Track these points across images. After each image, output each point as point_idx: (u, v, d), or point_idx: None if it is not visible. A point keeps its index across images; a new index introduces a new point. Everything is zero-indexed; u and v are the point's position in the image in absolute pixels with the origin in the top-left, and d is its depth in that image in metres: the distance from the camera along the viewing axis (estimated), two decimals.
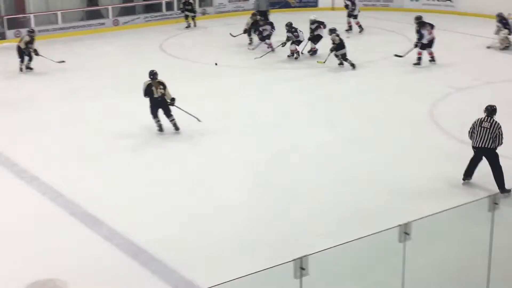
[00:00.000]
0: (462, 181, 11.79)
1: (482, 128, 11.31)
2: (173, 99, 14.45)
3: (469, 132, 11.60)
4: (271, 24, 22.44)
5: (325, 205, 11.33)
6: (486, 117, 11.38)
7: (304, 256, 6.35)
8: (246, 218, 11.03)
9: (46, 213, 11.33)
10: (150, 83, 14.28)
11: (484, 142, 11.28)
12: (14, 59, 20.15)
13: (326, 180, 12.32)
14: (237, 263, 9.51)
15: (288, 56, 21.17)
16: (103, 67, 20.98)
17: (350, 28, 25.18)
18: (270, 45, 21.98)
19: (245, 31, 23.06)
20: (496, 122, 11.30)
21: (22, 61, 19.98)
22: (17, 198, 11.87)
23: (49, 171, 12.89)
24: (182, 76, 19.16)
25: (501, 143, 11.31)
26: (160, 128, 14.59)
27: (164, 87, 14.32)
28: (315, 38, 21.32)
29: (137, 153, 13.87)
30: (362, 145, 13.89)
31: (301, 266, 6.32)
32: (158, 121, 14.57)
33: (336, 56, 19.75)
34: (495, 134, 11.20)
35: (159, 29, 26.54)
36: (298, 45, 21.12)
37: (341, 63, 19.79)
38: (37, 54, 19.99)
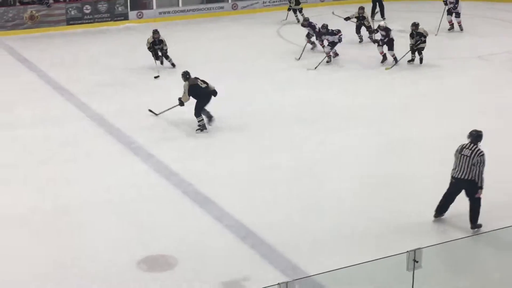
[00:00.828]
0: (433, 218, 10.25)
1: (462, 156, 9.78)
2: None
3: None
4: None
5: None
6: (469, 144, 9.85)
7: (418, 248, 6.20)
8: (355, 207, 10.91)
9: (160, 190, 11.58)
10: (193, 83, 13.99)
11: (464, 172, 9.77)
12: (135, 38, 20.64)
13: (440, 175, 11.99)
14: (344, 252, 9.45)
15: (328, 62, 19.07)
16: (221, 50, 21.16)
17: (452, 27, 22.66)
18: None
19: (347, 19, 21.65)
20: (478, 149, 9.74)
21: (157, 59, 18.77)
22: (133, 175, 12.18)
23: (164, 149, 13.17)
24: (299, 64, 19.14)
25: (481, 178, 9.68)
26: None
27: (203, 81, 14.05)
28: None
29: (254, 137, 13.94)
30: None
31: (414, 259, 6.17)
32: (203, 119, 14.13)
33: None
34: (476, 163, 9.65)
35: (276, 14, 26.54)
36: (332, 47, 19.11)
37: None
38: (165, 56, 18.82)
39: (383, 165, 12.47)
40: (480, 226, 9.94)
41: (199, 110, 13.94)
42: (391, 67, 18.51)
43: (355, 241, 9.87)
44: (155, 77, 17.75)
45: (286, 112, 15.26)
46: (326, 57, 18.89)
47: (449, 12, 22.46)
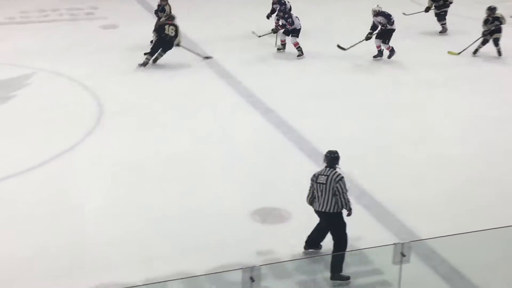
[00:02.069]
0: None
1: (319, 185, 8.24)
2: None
3: (307, 195, 8.48)
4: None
5: None
6: (325, 169, 8.36)
7: None
8: (474, 176, 10.68)
9: (277, 145, 11.70)
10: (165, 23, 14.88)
11: (323, 204, 8.22)
12: None
13: None
14: (458, 219, 9.32)
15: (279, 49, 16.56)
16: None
17: None
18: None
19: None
20: (335, 173, 8.21)
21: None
22: (251, 128, 12.36)
23: (282, 105, 13.25)
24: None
25: (346, 206, 8.16)
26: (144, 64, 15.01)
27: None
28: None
29: (374, 99, 13.85)
30: None
31: None
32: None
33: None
34: (334, 191, 8.11)
35: None
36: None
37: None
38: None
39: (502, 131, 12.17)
40: (346, 278, 8.01)
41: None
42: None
43: (470, 209, 9.69)
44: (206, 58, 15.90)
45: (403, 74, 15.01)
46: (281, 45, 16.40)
47: None
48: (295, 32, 15.95)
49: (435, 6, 17.98)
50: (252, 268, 6.18)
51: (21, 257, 8.47)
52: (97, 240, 8.90)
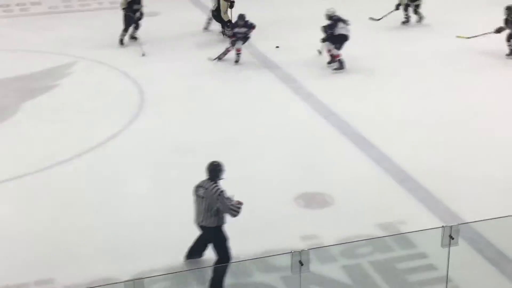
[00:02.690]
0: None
1: (197, 198, 7.76)
2: None
3: None
4: None
5: None
6: (205, 180, 7.80)
7: None
8: None
9: (319, 129, 11.68)
10: None
11: (201, 217, 7.69)
12: None
13: None
14: (504, 203, 9.20)
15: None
16: None
17: None
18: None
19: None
20: (215, 187, 7.65)
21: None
22: (293, 113, 12.36)
23: (323, 89, 13.22)
24: None
25: (229, 212, 7.61)
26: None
27: None
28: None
29: (412, 82, 13.71)
30: None
31: None
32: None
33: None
34: (212, 206, 7.59)
35: None
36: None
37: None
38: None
39: None
40: None
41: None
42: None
43: None
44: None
45: (451, 56, 14.85)
46: (229, 53, 14.88)
47: None
48: None
49: None
50: (301, 252, 6.21)
51: (74, 241, 8.63)
52: (147, 223, 9.00)
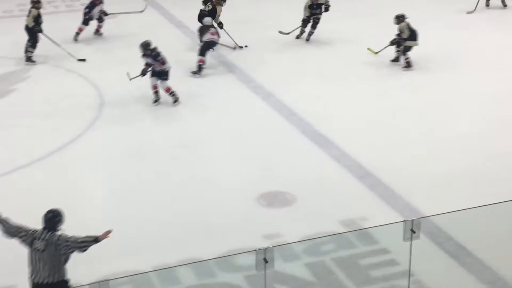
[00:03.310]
0: None
1: (35, 252, 6.68)
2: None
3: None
4: None
5: None
6: (42, 231, 6.77)
7: None
8: (477, 152, 10.72)
9: (279, 129, 11.73)
10: None
11: (42, 274, 6.66)
12: None
13: None
14: (462, 195, 9.37)
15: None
16: None
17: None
18: None
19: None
20: (57, 236, 6.74)
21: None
22: (252, 113, 12.39)
23: (284, 89, 13.25)
24: None
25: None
26: None
27: None
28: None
29: (373, 80, 13.83)
30: None
31: None
32: None
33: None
34: (58, 257, 6.67)
35: None
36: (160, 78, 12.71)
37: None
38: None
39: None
40: None
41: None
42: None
43: (476, 185, 9.75)
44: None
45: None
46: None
47: None
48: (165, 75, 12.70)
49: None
50: (265, 250, 6.23)
51: None
52: (103, 228, 8.92)
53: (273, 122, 11.99)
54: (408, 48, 14.12)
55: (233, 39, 15.52)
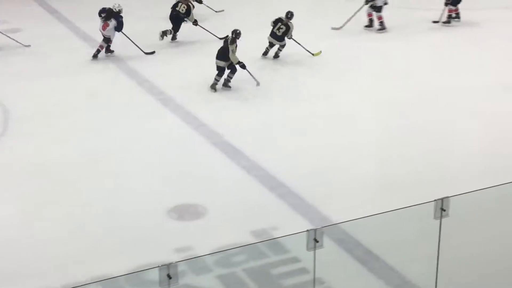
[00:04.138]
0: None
1: None
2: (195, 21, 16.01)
3: None
4: None
5: (469, 152, 11.08)
6: None
7: (445, 197, 6.25)
8: (384, 158, 10.95)
9: (189, 141, 11.68)
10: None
11: None
12: None
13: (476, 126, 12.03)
14: (372, 201, 9.51)
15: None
16: None
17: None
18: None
19: None
20: None
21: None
22: (162, 125, 12.29)
23: (193, 100, 13.21)
24: None
25: None
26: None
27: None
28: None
29: (283, 88, 13.94)
30: None
31: (441, 207, 6.22)
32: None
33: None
34: None
35: None
36: None
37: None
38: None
39: (414, 116, 12.48)
40: None
41: None
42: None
43: (384, 191, 9.94)
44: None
45: (317, 64, 15.22)
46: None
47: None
48: None
49: None
50: (168, 266, 6.16)
51: None
52: (11, 246, 8.71)
53: (182, 134, 11.93)
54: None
55: (212, 33, 16.07)
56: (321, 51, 15.46)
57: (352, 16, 17.20)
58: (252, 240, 8.74)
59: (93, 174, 10.53)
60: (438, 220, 6.63)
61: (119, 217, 9.37)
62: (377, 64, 15.14)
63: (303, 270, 8.11)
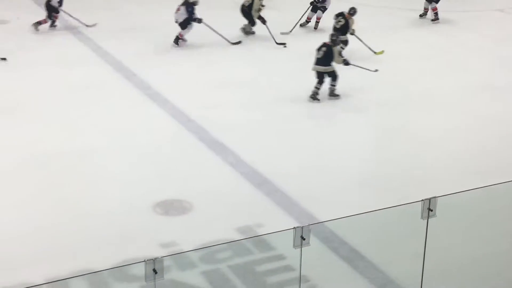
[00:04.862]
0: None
1: None
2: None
3: None
4: None
5: (454, 152, 11.12)
6: None
7: (433, 197, 6.27)
8: (372, 158, 10.98)
9: (176, 137, 11.67)
10: None
11: None
12: None
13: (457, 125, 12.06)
14: (359, 200, 9.54)
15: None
16: None
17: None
18: None
19: None
20: None
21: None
22: (149, 120, 12.25)
23: (180, 96, 13.18)
24: None
25: None
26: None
27: None
28: None
29: (268, 86, 13.92)
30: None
31: (429, 207, 6.24)
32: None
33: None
34: None
35: None
36: None
37: None
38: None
39: (400, 116, 12.52)
40: None
41: None
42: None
43: (370, 190, 9.95)
44: None
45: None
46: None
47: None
48: None
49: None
50: (154, 260, 6.14)
51: None
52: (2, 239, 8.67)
53: (169, 129, 11.90)
54: None
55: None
56: (383, 50, 15.48)
57: (299, 19, 17.31)
58: (237, 237, 8.72)
59: (79, 168, 10.48)
60: (425, 220, 6.63)
61: (104, 212, 9.32)
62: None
63: (288, 268, 8.11)
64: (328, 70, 13.07)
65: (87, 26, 16.71)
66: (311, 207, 9.46)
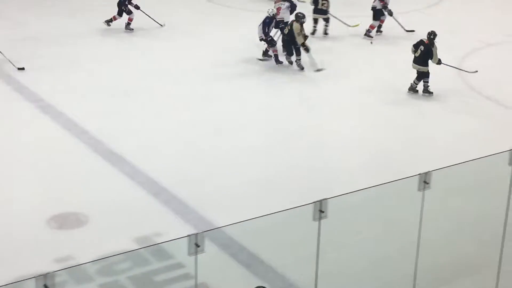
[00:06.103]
0: None
1: None
2: None
3: None
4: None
5: (348, 151, 11.39)
6: None
7: (324, 199, 6.39)
8: (271, 162, 11.10)
9: (70, 149, 11.43)
10: None
11: None
12: None
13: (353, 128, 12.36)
14: (259, 206, 9.54)
15: None
16: None
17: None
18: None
19: None
20: None
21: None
22: (42, 133, 11.95)
23: (74, 107, 12.90)
24: None
25: None
26: None
27: None
28: None
29: (164, 93, 13.83)
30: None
31: (320, 209, 6.36)
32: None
33: None
34: None
35: None
36: None
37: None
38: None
39: (296, 120, 12.72)
40: None
41: None
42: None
43: (269, 194, 10.04)
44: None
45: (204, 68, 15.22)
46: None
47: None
48: None
49: None
50: (45, 276, 5.97)
51: None
52: None
53: (63, 141, 11.64)
54: None
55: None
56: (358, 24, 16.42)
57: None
58: (135, 247, 8.64)
59: None
60: (317, 222, 6.73)
61: None
62: (253, 70, 15.29)
63: (187, 276, 8.04)
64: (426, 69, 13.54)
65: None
66: (209, 214, 9.49)
